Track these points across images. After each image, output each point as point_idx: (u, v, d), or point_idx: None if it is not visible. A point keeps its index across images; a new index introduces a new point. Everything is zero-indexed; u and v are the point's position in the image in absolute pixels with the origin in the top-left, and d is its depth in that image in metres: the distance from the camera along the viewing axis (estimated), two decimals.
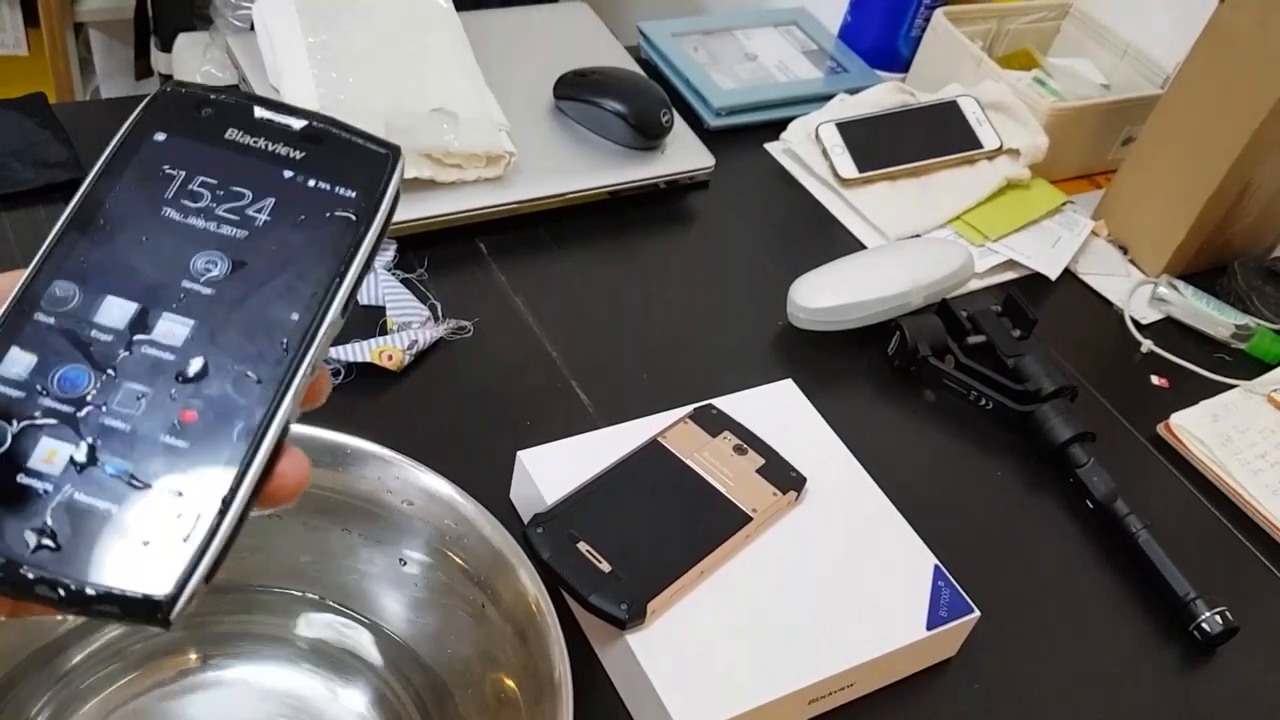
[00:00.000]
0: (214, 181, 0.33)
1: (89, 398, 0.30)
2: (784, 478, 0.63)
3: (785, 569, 0.60)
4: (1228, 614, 0.67)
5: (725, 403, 0.67)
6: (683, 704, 0.53)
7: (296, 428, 0.51)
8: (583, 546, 0.57)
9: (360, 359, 0.69)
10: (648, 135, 0.87)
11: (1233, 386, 0.84)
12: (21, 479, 0.29)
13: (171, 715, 0.51)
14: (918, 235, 0.91)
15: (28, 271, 0.32)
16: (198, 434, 0.30)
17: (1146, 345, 0.87)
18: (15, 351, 0.31)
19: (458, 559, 0.52)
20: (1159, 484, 0.78)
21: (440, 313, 0.74)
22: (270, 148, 0.34)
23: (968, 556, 0.66)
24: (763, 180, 0.95)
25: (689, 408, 0.66)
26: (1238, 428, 0.80)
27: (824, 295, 0.79)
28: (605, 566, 0.56)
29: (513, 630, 0.50)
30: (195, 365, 0.31)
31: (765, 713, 0.55)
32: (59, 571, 0.28)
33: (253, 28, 0.84)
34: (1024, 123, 0.96)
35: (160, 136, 0.34)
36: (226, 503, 0.29)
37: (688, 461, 0.63)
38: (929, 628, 0.59)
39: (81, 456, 0.29)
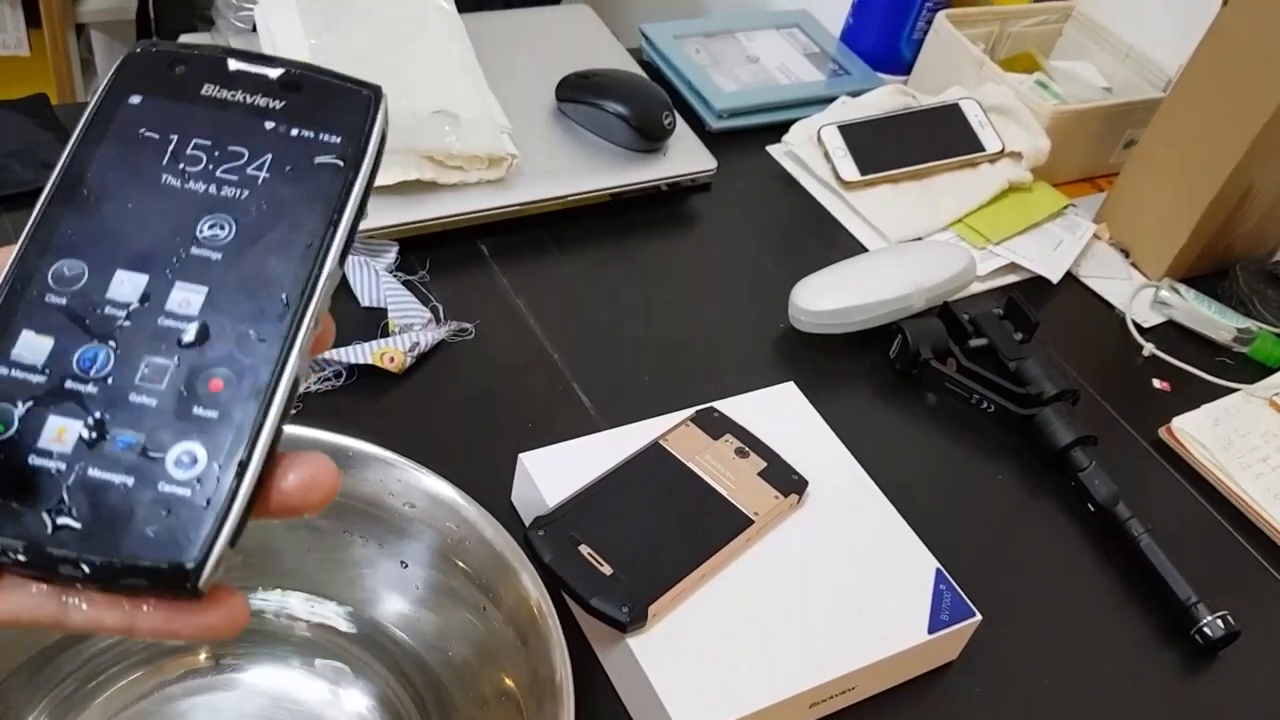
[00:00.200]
0: (196, 141, 0.32)
1: (92, 371, 0.30)
2: (785, 481, 0.63)
3: (787, 572, 0.60)
4: (1229, 618, 0.66)
5: (727, 405, 0.67)
6: (684, 707, 0.53)
7: (300, 429, 0.52)
8: (584, 549, 0.57)
9: (362, 361, 0.69)
10: (649, 137, 0.87)
11: (1234, 390, 0.84)
12: (34, 460, 0.29)
13: (173, 717, 0.51)
14: (919, 238, 0.91)
15: (17, 247, 0.31)
16: (206, 398, 0.29)
17: (1148, 348, 0.87)
18: (13, 328, 0.30)
19: (459, 562, 0.52)
20: (1161, 487, 0.78)
21: (442, 315, 0.74)
22: (249, 100, 0.33)
23: (969, 560, 0.66)
24: (764, 183, 0.95)
25: (690, 410, 0.66)
26: (1239, 431, 0.80)
27: (826, 298, 0.79)
28: (607, 569, 0.56)
29: (514, 633, 0.50)
30: (194, 328, 0.30)
31: (766, 716, 0.55)
32: (83, 549, 0.28)
33: (254, 29, 0.84)
34: (1026, 126, 0.96)
35: (135, 99, 0.33)
36: (244, 464, 0.29)
37: (689, 464, 0.63)
38: (930, 631, 0.59)
39: (91, 432, 0.29)
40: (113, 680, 0.51)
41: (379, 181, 0.75)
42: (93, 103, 0.33)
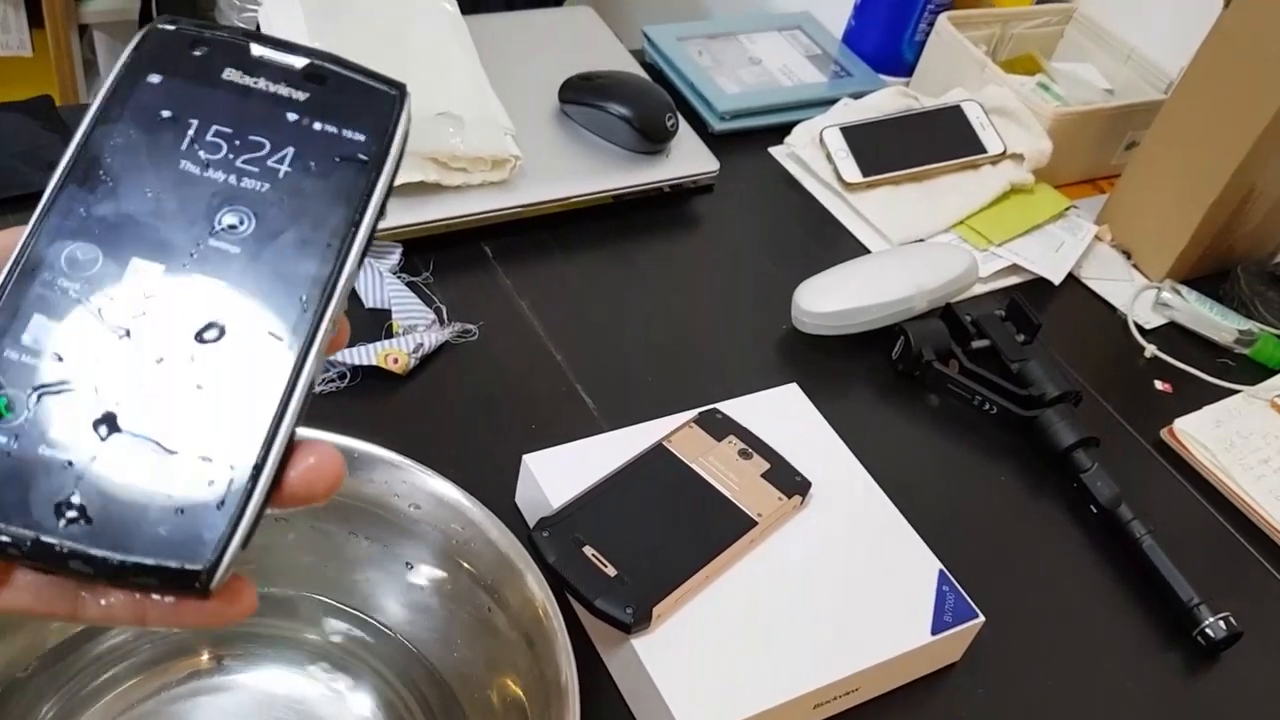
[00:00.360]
0: (216, 127, 0.31)
1: (105, 361, 0.29)
2: (789, 482, 0.63)
3: (790, 573, 0.60)
4: (1231, 619, 0.67)
5: (730, 407, 0.67)
6: (688, 708, 0.53)
7: (303, 430, 0.52)
8: (588, 550, 0.57)
9: (366, 362, 0.69)
10: (652, 139, 0.87)
11: (1236, 391, 0.84)
12: (44, 450, 0.28)
13: (177, 717, 0.51)
14: (921, 239, 0.91)
15: (29, 227, 0.30)
16: (223, 397, 0.29)
17: (1150, 350, 0.87)
18: (25, 313, 0.29)
19: (464, 563, 0.52)
20: (1163, 489, 0.78)
21: (445, 316, 0.75)
22: (271, 89, 0.32)
23: (972, 561, 0.66)
24: (767, 184, 0.95)
25: (694, 412, 0.66)
26: (1241, 433, 0.80)
27: (828, 299, 0.79)
28: (611, 570, 0.56)
29: (519, 635, 0.50)
30: (211, 324, 0.30)
31: (770, 717, 0.55)
32: (92, 545, 0.27)
33: (258, 30, 0.84)
34: (1028, 127, 0.96)
35: (154, 78, 0.32)
36: (259, 465, 0.28)
37: (693, 466, 0.63)
38: (934, 633, 0.60)
39: (103, 424, 0.28)
40: (118, 680, 0.51)
41: None
42: (110, 78, 0.32)
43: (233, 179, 0.31)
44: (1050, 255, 0.92)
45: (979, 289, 0.88)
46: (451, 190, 0.79)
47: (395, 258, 0.77)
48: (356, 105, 0.32)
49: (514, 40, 0.95)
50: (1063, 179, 1.01)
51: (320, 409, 0.68)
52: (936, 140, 0.95)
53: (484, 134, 0.80)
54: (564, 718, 0.45)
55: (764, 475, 0.63)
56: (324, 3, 0.83)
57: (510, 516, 0.59)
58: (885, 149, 0.94)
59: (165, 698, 0.52)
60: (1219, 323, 0.89)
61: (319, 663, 0.54)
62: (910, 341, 0.78)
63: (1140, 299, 0.91)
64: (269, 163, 0.31)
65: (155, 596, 0.28)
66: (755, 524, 0.60)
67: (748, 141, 0.98)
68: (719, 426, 0.65)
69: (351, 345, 0.69)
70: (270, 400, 0.29)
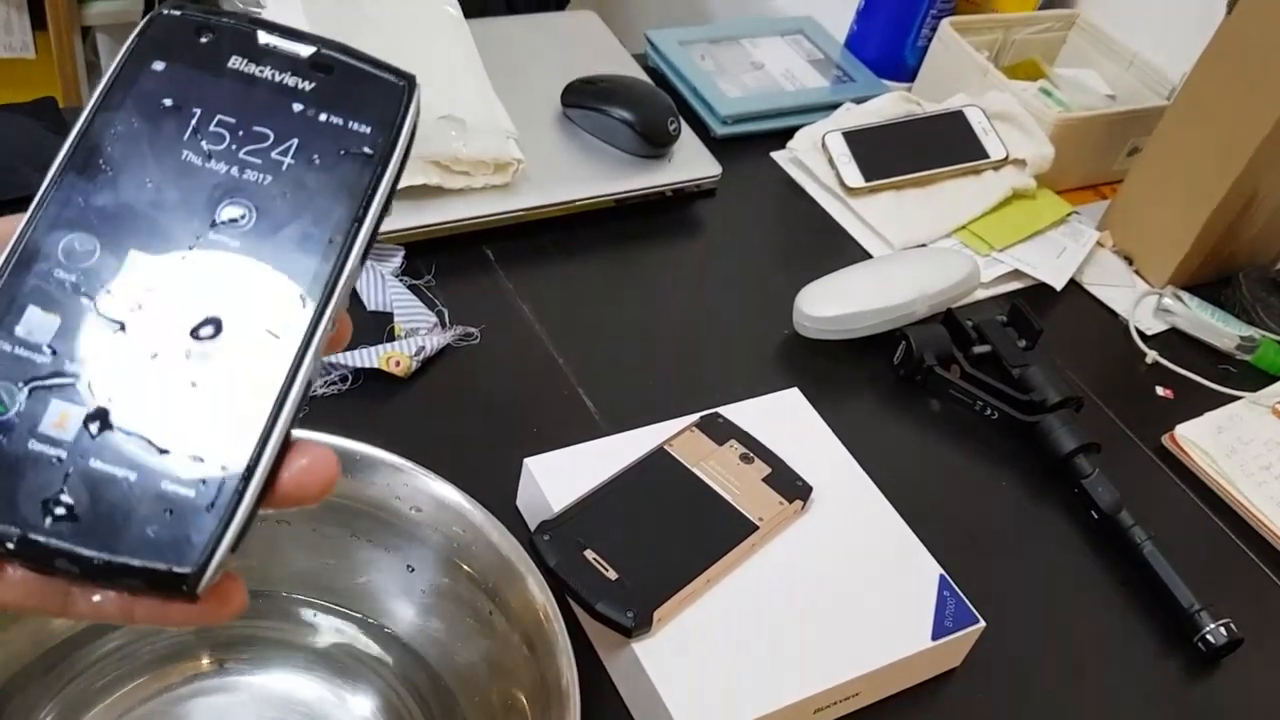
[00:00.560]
0: (219, 117, 0.31)
1: (99, 356, 0.28)
2: (790, 486, 0.63)
3: (791, 578, 0.60)
4: (1232, 625, 0.67)
5: (731, 411, 0.67)
6: (688, 712, 0.53)
7: (306, 432, 0.52)
8: (589, 554, 0.57)
9: (368, 365, 0.69)
10: (655, 143, 0.87)
11: (1237, 398, 0.84)
12: (34, 445, 0.27)
13: None
14: (923, 245, 0.91)
15: (26, 215, 0.30)
16: (218, 395, 0.28)
17: (1151, 356, 0.87)
18: (19, 304, 0.29)
19: (466, 566, 0.52)
20: (1164, 495, 0.78)
21: (447, 319, 0.75)
22: (277, 78, 0.31)
23: (972, 566, 0.66)
24: (769, 189, 0.95)
25: (695, 416, 0.66)
26: (1242, 439, 0.80)
27: (830, 304, 0.79)
28: (612, 574, 0.56)
29: (520, 638, 0.50)
30: (208, 319, 0.29)
31: None
32: (79, 543, 0.27)
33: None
34: (1030, 133, 0.96)
35: (159, 65, 0.31)
36: (251, 467, 0.28)
37: (694, 470, 0.63)
38: (934, 638, 0.60)
39: (95, 420, 0.28)
40: (119, 683, 0.51)
41: None
42: (114, 64, 0.31)
43: (235, 170, 0.30)
44: (1052, 261, 0.92)
45: (981, 294, 0.88)
46: (454, 194, 0.79)
47: (397, 261, 0.77)
48: (363, 96, 0.31)
49: (517, 44, 0.95)
50: (1065, 185, 1.01)
51: (322, 411, 0.69)
52: (939, 145, 0.95)
53: (486, 137, 0.80)
54: None
55: (765, 480, 0.63)
56: (327, 5, 0.83)
57: (511, 520, 0.59)
58: (887, 154, 0.94)
59: (166, 700, 0.52)
60: (1220, 329, 0.89)
61: (320, 665, 0.54)
62: (912, 346, 0.78)
63: (1142, 305, 0.91)
64: (273, 154, 0.30)
65: (143, 597, 0.28)
66: (756, 528, 0.60)
67: (750, 146, 0.98)
68: (720, 431, 0.65)
69: (353, 348, 0.69)
70: (266, 399, 0.28)
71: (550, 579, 0.52)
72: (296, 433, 0.29)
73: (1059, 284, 0.91)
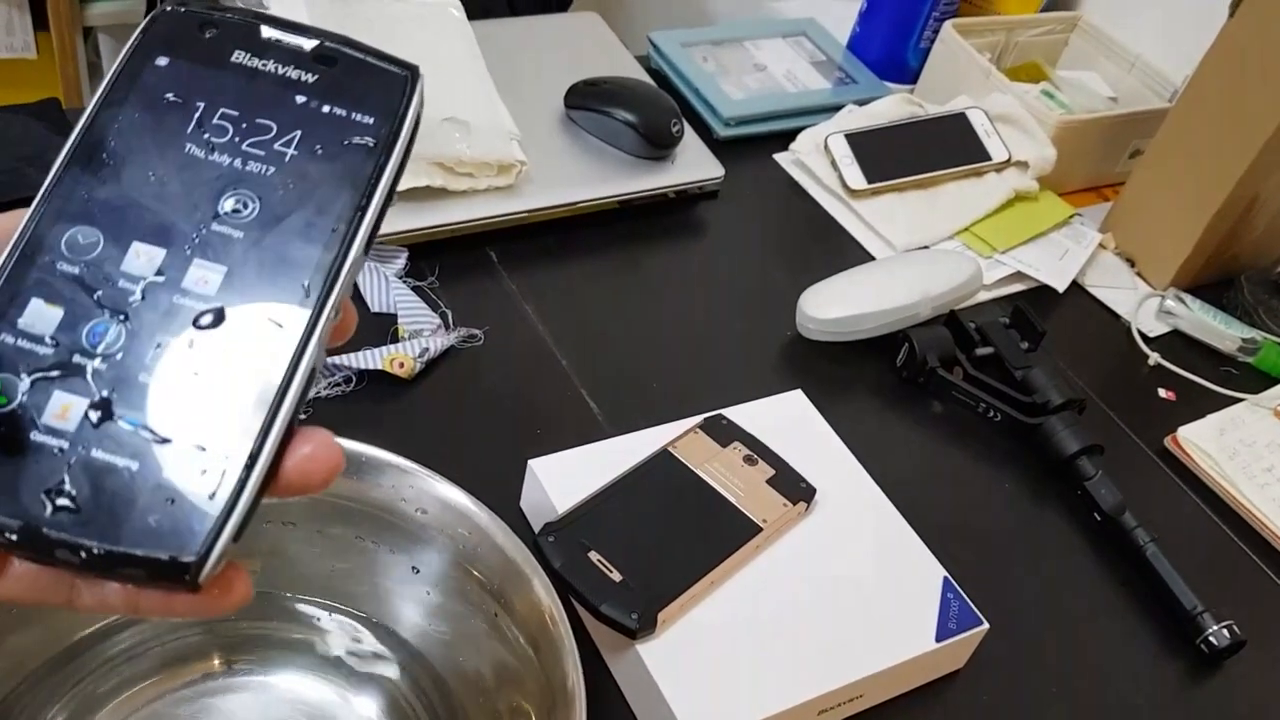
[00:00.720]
0: (223, 110, 0.31)
1: (101, 347, 0.28)
2: (794, 488, 0.63)
3: (795, 580, 0.60)
4: (1235, 627, 0.67)
5: (735, 413, 0.67)
6: (693, 713, 0.53)
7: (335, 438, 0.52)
8: (593, 556, 0.57)
9: (372, 366, 0.69)
10: (658, 145, 0.87)
11: (1239, 400, 0.84)
12: (36, 436, 0.28)
13: None
14: (926, 246, 0.91)
15: (31, 209, 0.30)
16: (220, 384, 0.28)
17: (1154, 358, 0.87)
18: (23, 296, 0.29)
19: (471, 568, 0.52)
20: (1166, 497, 0.78)
21: (451, 321, 0.75)
22: (280, 71, 0.31)
23: (976, 568, 0.66)
24: (772, 190, 0.95)
25: (699, 418, 0.66)
26: (1244, 441, 0.80)
27: (833, 306, 0.79)
28: (616, 576, 0.56)
29: (526, 640, 0.50)
30: (211, 310, 0.29)
31: None
32: (80, 534, 0.27)
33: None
34: (1032, 135, 0.97)
35: (162, 61, 0.31)
36: (254, 456, 0.28)
37: (698, 472, 0.63)
38: (938, 639, 0.60)
39: (97, 411, 0.28)
40: (128, 683, 0.51)
41: None
42: (118, 61, 0.31)
43: (238, 162, 0.30)
44: (1054, 263, 0.92)
45: (983, 296, 0.89)
46: (457, 195, 0.79)
47: (401, 262, 0.77)
48: (366, 87, 0.31)
49: (520, 46, 0.96)
50: (1067, 187, 1.01)
51: (326, 413, 0.69)
52: (941, 147, 0.96)
53: (490, 139, 0.80)
54: None
55: (769, 481, 0.63)
56: (329, 6, 0.83)
57: (515, 521, 0.59)
58: (890, 156, 0.94)
59: (174, 700, 0.52)
60: (1223, 331, 0.89)
61: (326, 667, 0.54)
62: (915, 348, 0.78)
63: (1144, 307, 0.91)
64: (275, 146, 0.31)
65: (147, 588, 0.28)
66: (760, 530, 0.61)
67: (753, 148, 0.98)
68: (724, 432, 0.66)
69: (357, 350, 0.69)
70: (268, 389, 0.28)
71: (554, 580, 0.52)
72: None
73: (1061, 286, 0.91)
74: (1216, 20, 0.86)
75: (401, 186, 0.75)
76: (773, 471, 0.64)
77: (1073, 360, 0.86)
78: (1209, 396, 0.85)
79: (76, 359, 0.28)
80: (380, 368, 0.69)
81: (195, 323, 0.29)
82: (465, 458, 0.67)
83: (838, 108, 1.00)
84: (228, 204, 0.30)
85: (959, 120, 0.97)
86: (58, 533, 0.27)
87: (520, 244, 0.82)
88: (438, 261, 0.78)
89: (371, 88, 0.31)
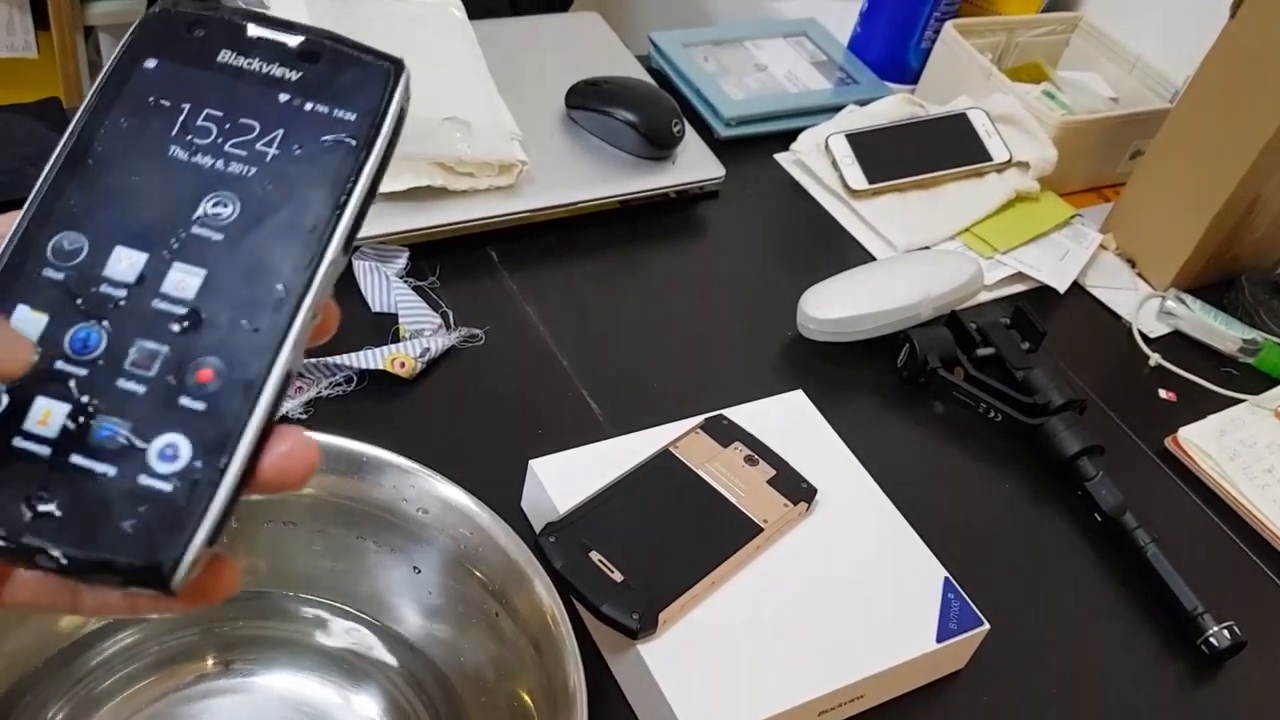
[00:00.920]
0: (207, 111, 0.31)
1: (83, 354, 0.29)
2: (794, 489, 0.63)
3: (796, 580, 0.60)
4: (1235, 628, 0.67)
5: (736, 413, 0.67)
6: (693, 714, 0.53)
7: (311, 434, 0.52)
8: (594, 556, 0.57)
9: (373, 366, 0.69)
10: (659, 145, 0.87)
11: (1240, 401, 0.84)
12: (17, 442, 0.28)
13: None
14: (927, 247, 0.91)
15: (20, 215, 0.30)
16: (195, 388, 0.28)
17: (1154, 359, 0.87)
18: (10, 302, 0.29)
19: (472, 568, 0.52)
20: (1167, 497, 0.78)
21: (452, 321, 0.75)
22: (265, 69, 0.31)
23: (977, 569, 0.66)
24: (772, 191, 0.95)
25: (700, 418, 0.66)
26: (1245, 442, 0.80)
27: (834, 306, 0.79)
28: (617, 576, 0.56)
29: (527, 640, 0.50)
30: (188, 313, 0.29)
31: None
32: (59, 540, 0.27)
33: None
34: (1033, 135, 0.97)
35: (151, 63, 0.31)
36: (226, 462, 0.28)
37: (699, 472, 0.63)
38: (939, 640, 0.60)
39: (77, 417, 0.28)
40: (127, 683, 0.51)
41: (389, 188, 0.76)
42: (108, 64, 0.31)
43: (220, 164, 0.30)
44: (1055, 263, 0.92)
45: (984, 296, 0.89)
46: (458, 195, 0.79)
47: (402, 262, 0.77)
48: (350, 82, 0.31)
49: (521, 46, 0.96)
50: (1068, 187, 1.01)
51: (327, 413, 0.69)
52: (942, 148, 0.96)
53: (491, 139, 0.80)
54: None
55: (770, 482, 0.63)
56: (330, 6, 0.83)
57: (516, 521, 0.59)
58: (891, 156, 0.94)
59: (173, 700, 0.52)
60: (1223, 332, 0.89)
61: (327, 667, 0.54)
62: (915, 349, 0.78)
63: (1145, 308, 0.91)
64: (257, 146, 0.31)
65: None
66: (761, 530, 0.61)
67: (753, 148, 0.98)
68: (725, 433, 0.66)
69: (358, 349, 0.69)
70: (244, 392, 0.28)
71: (556, 580, 0.52)
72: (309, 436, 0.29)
73: (1062, 286, 0.91)
74: (1217, 21, 0.86)
75: (402, 186, 0.76)
76: (773, 472, 0.64)
77: (1073, 361, 0.86)
78: (1210, 397, 0.85)
79: (59, 365, 0.29)
80: (381, 368, 0.69)
81: (172, 327, 0.29)
82: (466, 458, 0.67)
83: (838, 108, 1.00)
84: (208, 207, 0.30)
85: (960, 121, 0.97)
86: (37, 540, 0.27)
87: (521, 244, 0.82)
88: (439, 261, 0.78)
89: (355, 83, 0.31)
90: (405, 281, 0.76)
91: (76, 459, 0.28)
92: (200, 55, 0.31)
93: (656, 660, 0.55)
